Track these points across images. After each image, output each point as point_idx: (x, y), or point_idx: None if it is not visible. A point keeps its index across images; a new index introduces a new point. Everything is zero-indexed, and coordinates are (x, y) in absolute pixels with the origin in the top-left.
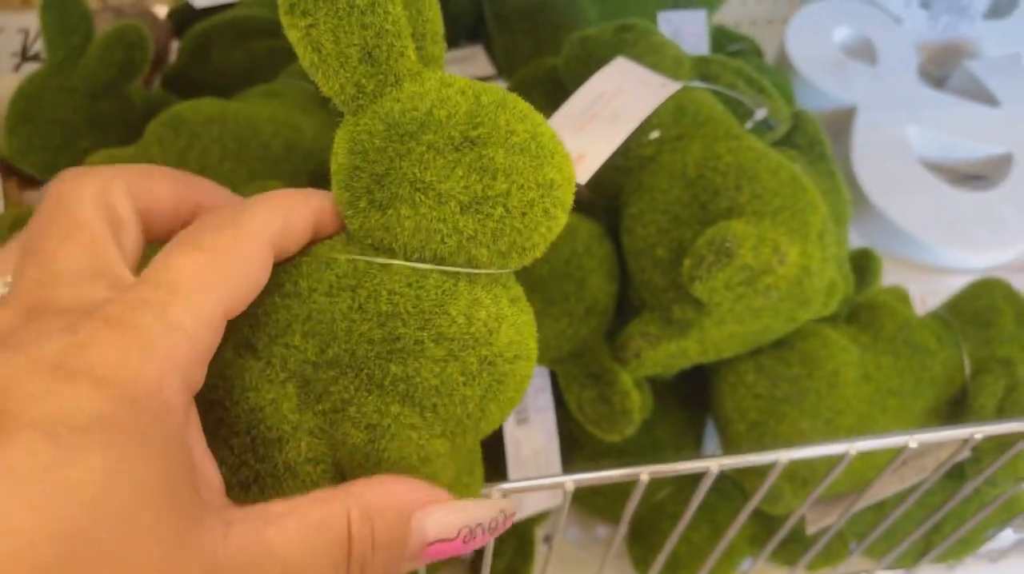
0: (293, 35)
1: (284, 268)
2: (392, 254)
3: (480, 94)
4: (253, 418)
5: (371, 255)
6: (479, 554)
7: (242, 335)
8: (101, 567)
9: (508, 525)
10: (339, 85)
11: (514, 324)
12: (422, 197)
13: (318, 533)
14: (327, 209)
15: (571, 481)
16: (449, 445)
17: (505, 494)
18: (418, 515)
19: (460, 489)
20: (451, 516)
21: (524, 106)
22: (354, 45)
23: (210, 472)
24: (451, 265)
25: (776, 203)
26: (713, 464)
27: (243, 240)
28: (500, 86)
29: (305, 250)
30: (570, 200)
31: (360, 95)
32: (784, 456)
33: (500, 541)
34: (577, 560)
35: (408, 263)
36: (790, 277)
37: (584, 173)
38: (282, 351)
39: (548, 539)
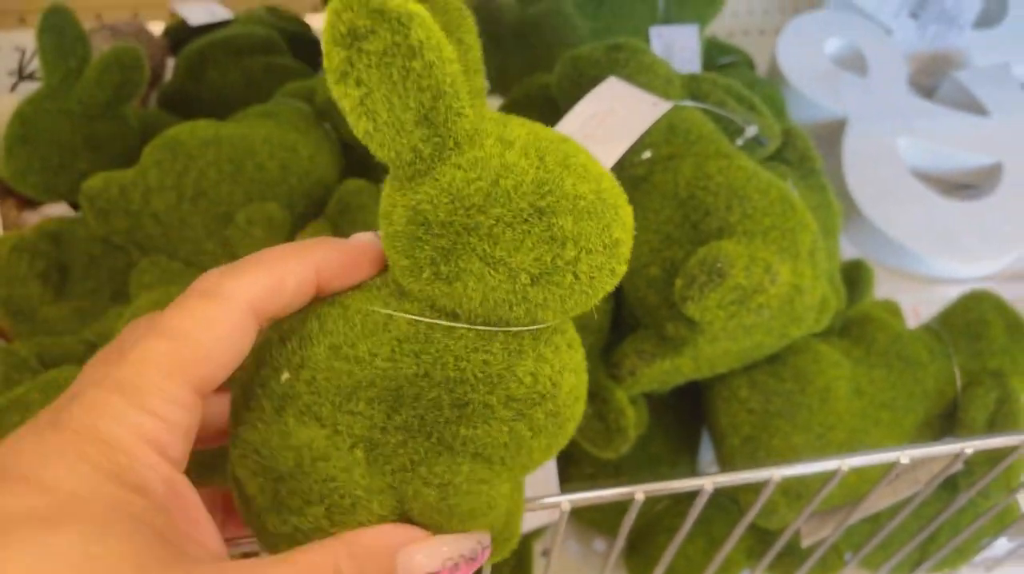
0: (345, 104)
1: (339, 327)
2: (455, 316)
3: (544, 154)
4: (326, 488)
5: (432, 316)
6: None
7: (302, 403)
8: None
9: (487, 555)
10: (395, 152)
11: (574, 370)
12: (492, 272)
13: None
14: (333, 261)
15: (567, 501)
16: (513, 484)
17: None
18: (403, 553)
19: (513, 509)
20: (435, 550)
21: (585, 160)
22: (410, 109)
23: (206, 535)
24: (516, 325)
25: (766, 223)
26: (707, 482)
27: (218, 313)
28: (558, 133)
29: (354, 301)
30: (630, 250)
31: (417, 160)
32: (777, 474)
33: None
34: (576, 573)
35: (474, 327)
36: (782, 295)
37: None
38: (348, 419)
39: (546, 553)
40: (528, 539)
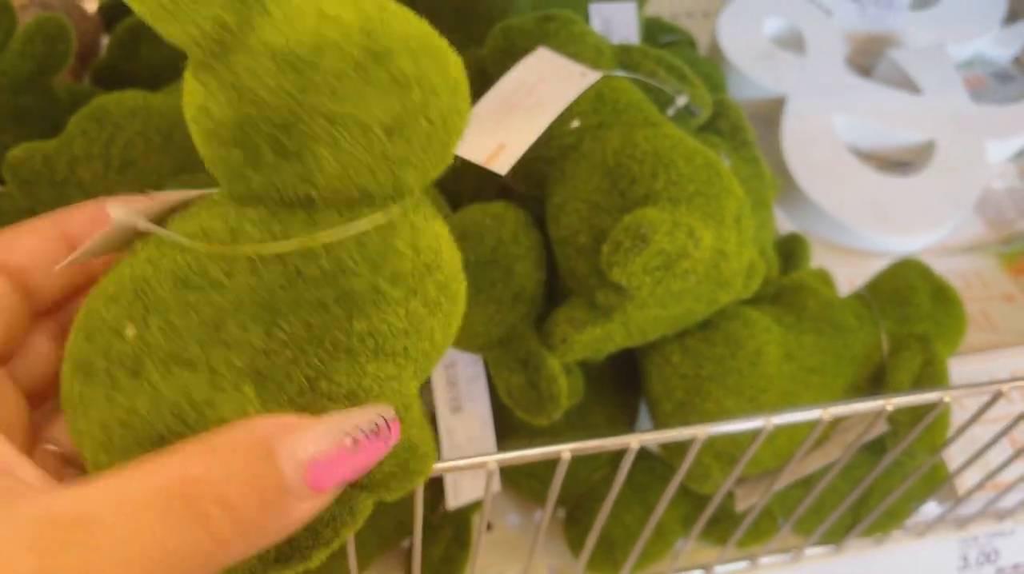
0: None
1: (178, 261)
2: (310, 201)
3: (359, 2)
4: None
5: (283, 212)
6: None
7: (163, 353)
8: None
9: (395, 432)
10: (196, 27)
11: (447, 239)
12: (342, 131)
13: (143, 478)
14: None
15: (494, 460)
16: (418, 384)
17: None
18: (284, 444)
19: (424, 421)
20: (322, 427)
21: (400, 7)
22: None
23: (26, 473)
24: (379, 196)
25: (691, 189)
26: (633, 440)
27: None
28: None
29: (183, 230)
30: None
31: (225, 34)
32: (702, 432)
33: (436, 529)
34: (516, 545)
35: (337, 228)
36: (706, 260)
37: (504, 164)
38: (222, 352)
39: (490, 527)
40: (467, 512)
